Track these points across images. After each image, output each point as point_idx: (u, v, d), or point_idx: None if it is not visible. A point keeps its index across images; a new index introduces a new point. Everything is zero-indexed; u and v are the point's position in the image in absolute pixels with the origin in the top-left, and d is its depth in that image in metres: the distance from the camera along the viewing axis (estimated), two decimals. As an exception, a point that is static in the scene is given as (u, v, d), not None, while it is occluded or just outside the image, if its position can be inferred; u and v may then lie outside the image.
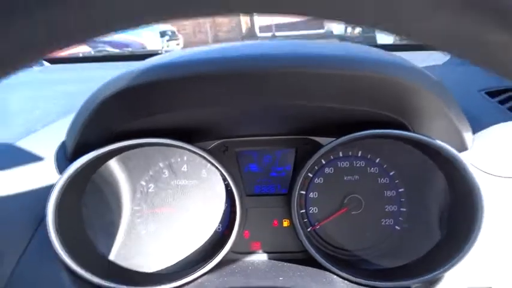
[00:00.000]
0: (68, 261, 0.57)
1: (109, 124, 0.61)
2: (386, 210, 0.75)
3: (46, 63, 1.28)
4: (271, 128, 0.75)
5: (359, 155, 0.75)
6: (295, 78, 0.53)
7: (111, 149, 0.62)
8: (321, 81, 0.53)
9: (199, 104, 0.56)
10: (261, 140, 0.77)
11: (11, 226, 0.59)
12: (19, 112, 0.79)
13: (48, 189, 0.60)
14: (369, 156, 0.75)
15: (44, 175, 0.64)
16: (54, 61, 1.27)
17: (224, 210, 0.78)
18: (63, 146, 0.65)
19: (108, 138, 0.61)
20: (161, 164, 0.77)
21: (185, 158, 0.77)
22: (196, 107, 0.57)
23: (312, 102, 0.58)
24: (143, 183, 0.77)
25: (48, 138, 0.69)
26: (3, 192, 0.61)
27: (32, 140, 0.69)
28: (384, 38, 1.45)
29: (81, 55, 1.48)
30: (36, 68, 1.18)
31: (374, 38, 1.52)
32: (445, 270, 0.56)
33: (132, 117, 0.60)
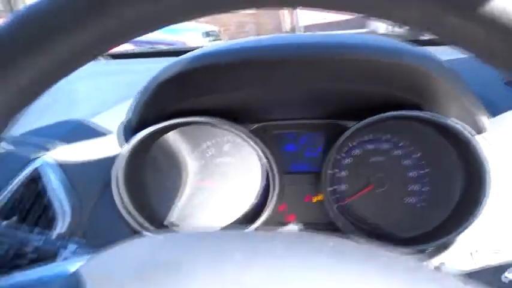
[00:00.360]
0: (129, 218, 0.69)
1: (164, 104, 0.72)
2: (410, 189, 0.81)
3: (102, 59, 1.42)
4: (306, 113, 0.83)
5: (385, 137, 0.82)
6: (331, 65, 0.61)
7: (165, 126, 0.73)
8: (354, 67, 0.61)
9: (242, 87, 0.66)
10: (296, 123, 0.86)
11: (84, 188, 0.71)
12: (86, 97, 0.92)
13: (112, 159, 0.72)
14: (394, 139, 0.82)
15: (108, 148, 0.75)
16: (113, 56, 1.41)
17: (261, 186, 0.87)
18: (124, 123, 0.77)
19: (164, 116, 0.72)
20: (208, 143, 0.87)
21: (228, 138, 0.87)
22: (240, 90, 0.66)
23: (345, 86, 0.66)
24: (192, 159, 0.88)
25: (111, 118, 0.81)
26: (76, 160, 0.73)
27: (98, 119, 0.81)
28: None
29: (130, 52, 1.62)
30: (96, 63, 1.32)
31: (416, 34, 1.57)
32: (457, 235, 0.62)
33: (183, 98, 0.70)
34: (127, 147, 0.71)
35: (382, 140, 0.82)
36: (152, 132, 0.72)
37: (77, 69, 0.29)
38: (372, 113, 0.71)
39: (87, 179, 0.71)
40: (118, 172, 0.69)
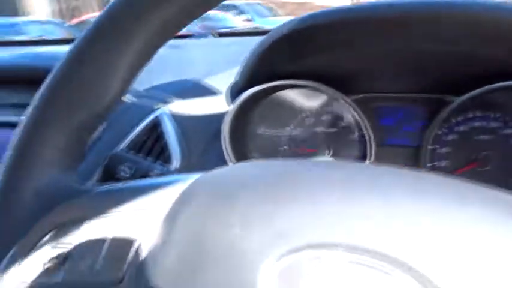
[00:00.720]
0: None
1: (270, 66, 0.76)
2: (517, 171, 0.77)
3: (211, 36, 1.53)
4: (406, 86, 0.83)
5: (494, 115, 0.78)
6: (448, 22, 0.60)
7: (268, 87, 0.78)
8: (474, 26, 0.60)
9: (350, 47, 0.68)
10: (396, 96, 0.85)
11: (193, 138, 0.79)
12: (200, 63, 1.01)
13: (220, 115, 0.79)
14: (504, 117, 0.78)
15: (217, 106, 0.82)
16: (220, 35, 1.52)
17: (357, 157, 0.89)
18: (232, 85, 0.84)
19: (269, 78, 0.77)
20: (308, 110, 0.91)
21: (327, 106, 0.90)
22: (347, 51, 0.69)
23: (458, 49, 0.64)
24: (291, 126, 0.92)
25: (221, 80, 0.88)
26: (189, 113, 0.81)
27: (210, 81, 0.89)
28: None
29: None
30: (207, 39, 1.43)
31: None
32: None
33: (289, 60, 0.74)
34: (233, 106, 0.77)
35: (490, 118, 0.78)
36: (256, 92, 0.77)
37: (173, 35, 0.38)
38: (478, 87, 0.69)
39: (197, 130, 0.79)
40: (225, 127, 0.75)
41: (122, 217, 0.35)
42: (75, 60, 0.36)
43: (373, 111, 0.87)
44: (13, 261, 0.36)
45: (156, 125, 0.75)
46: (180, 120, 0.78)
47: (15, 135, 0.37)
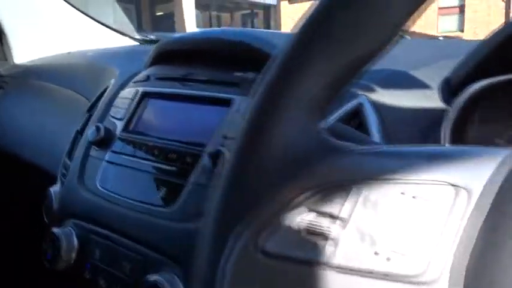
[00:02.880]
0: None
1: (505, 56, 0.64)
2: None
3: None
4: None
5: None
6: None
7: (496, 82, 0.65)
8: None
9: None
10: None
11: (396, 130, 0.72)
12: (405, 54, 0.93)
13: (429, 110, 0.71)
14: None
15: (426, 99, 0.74)
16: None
17: None
18: (447, 79, 0.74)
19: (503, 70, 0.64)
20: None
21: None
22: None
23: None
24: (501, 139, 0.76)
25: (430, 72, 0.79)
26: (393, 104, 0.75)
27: (418, 73, 0.81)
28: None
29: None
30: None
31: None
32: None
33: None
34: (457, 102, 0.67)
35: None
36: (488, 85, 0.66)
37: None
38: None
39: (399, 122, 0.72)
40: (446, 128, 0.66)
41: (414, 187, 0.27)
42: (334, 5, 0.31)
43: None
44: (252, 230, 0.29)
45: (357, 112, 0.71)
46: (381, 110, 0.73)
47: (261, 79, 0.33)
